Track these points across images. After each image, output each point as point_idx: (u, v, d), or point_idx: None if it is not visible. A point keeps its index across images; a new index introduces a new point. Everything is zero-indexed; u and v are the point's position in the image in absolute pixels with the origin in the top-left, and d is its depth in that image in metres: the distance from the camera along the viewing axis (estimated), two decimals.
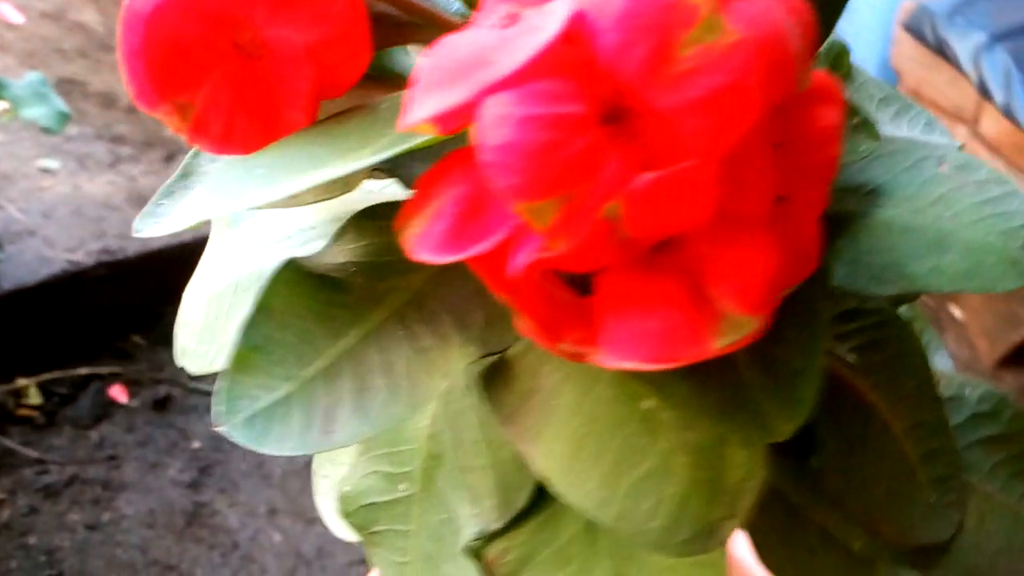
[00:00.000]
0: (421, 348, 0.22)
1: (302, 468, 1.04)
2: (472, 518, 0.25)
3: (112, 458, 1.03)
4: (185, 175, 0.23)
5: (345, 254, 0.23)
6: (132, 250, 1.09)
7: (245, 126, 0.21)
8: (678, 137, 0.15)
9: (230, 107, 0.21)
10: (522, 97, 0.15)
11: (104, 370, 1.08)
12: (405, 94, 0.18)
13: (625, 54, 0.15)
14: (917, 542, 0.28)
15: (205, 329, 0.28)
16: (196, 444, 1.05)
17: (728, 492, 0.19)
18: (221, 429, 0.21)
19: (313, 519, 1.00)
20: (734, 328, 0.16)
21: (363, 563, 0.97)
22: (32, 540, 0.94)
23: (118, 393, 1.07)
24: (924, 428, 0.28)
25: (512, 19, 0.17)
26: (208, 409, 1.07)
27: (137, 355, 1.11)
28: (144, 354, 1.11)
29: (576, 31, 0.15)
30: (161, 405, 1.08)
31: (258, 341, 0.22)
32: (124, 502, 0.99)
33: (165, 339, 1.16)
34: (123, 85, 1.02)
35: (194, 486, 1.02)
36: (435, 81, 0.16)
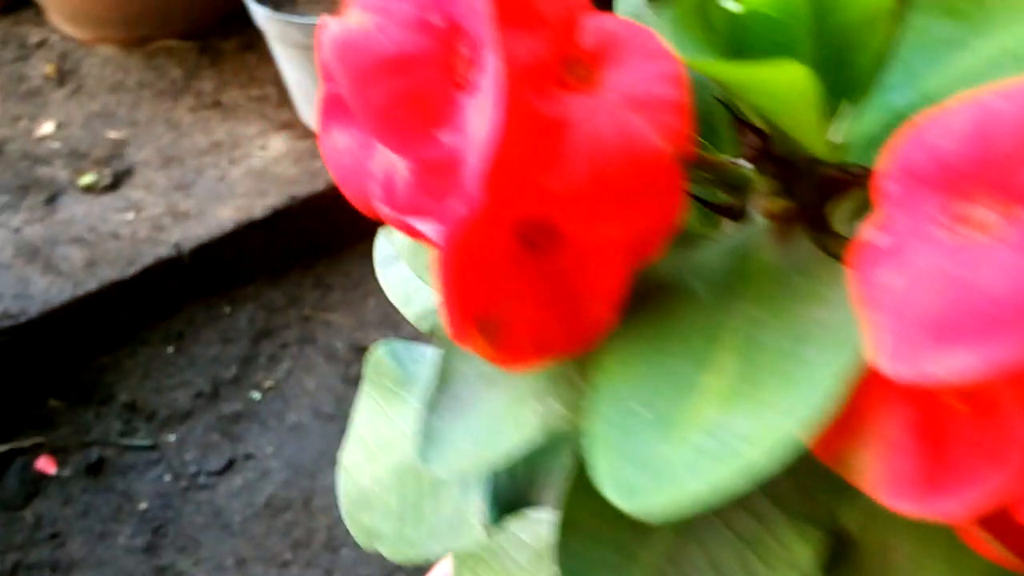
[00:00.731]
0: (745, 536, 0.20)
1: (262, 510, 0.99)
2: None
3: (54, 536, 0.95)
4: (445, 382, 0.19)
5: None
6: (35, 310, 0.99)
7: (551, 333, 0.18)
8: None
9: (533, 315, 0.17)
10: None
11: (26, 442, 0.99)
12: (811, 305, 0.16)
13: None
14: None
15: (406, 509, 0.24)
16: (142, 505, 0.98)
17: None
18: None
19: (285, 562, 0.96)
20: None
21: None
22: None
23: (45, 464, 0.99)
24: None
25: (964, 221, 0.15)
26: (148, 464, 1.00)
27: (58, 420, 1.02)
28: (65, 418, 1.02)
29: None
30: (95, 469, 1.00)
31: (577, 567, 0.19)
32: None
33: (84, 398, 1.07)
34: None
35: (150, 550, 0.95)
36: (942, 321, 0.14)
